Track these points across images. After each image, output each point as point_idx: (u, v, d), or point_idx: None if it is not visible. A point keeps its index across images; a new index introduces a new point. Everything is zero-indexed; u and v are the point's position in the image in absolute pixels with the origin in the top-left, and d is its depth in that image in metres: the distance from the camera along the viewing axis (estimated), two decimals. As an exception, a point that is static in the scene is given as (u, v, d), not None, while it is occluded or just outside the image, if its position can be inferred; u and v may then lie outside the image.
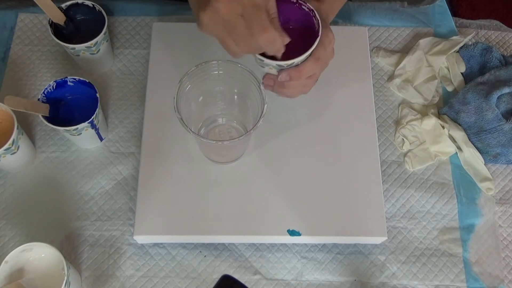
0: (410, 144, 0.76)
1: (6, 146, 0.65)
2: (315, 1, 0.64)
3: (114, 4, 0.84)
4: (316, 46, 0.59)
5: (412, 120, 0.77)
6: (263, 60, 0.59)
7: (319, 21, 0.59)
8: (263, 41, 0.52)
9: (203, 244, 0.70)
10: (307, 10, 0.60)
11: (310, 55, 0.59)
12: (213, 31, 0.54)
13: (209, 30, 0.54)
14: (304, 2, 0.60)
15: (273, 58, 0.58)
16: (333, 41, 0.61)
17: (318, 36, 0.58)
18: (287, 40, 0.54)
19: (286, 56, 0.58)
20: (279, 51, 0.55)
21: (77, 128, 0.67)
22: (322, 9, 0.63)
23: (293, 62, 0.59)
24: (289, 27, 0.62)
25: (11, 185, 0.73)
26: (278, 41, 0.53)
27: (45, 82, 0.79)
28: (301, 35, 0.61)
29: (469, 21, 0.88)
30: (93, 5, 0.73)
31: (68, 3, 0.72)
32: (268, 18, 0.52)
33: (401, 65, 0.81)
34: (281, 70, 0.60)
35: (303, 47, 0.58)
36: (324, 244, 0.71)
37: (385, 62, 0.82)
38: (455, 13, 1.28)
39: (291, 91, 0.63)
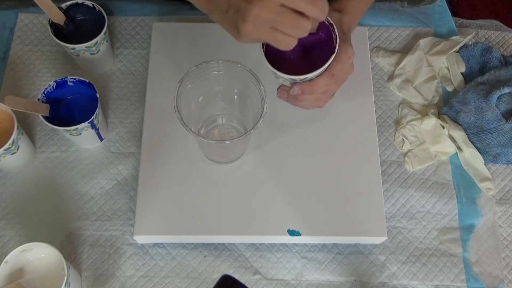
0: (410, 144, 0.76)
1: (6, 146, 0.65)
2: (337, 12, 0.63)
3: (114, 4, 0.84)
4: (332, 62, 0.58)
5: (412, 120, 0.77)
6: (276, 73, 0.58)
7: (337, 36, 0.58)
8: (317, 12, 0.51)
9: (203, 244, 0.70)
10: (327, 23, 0.59)
11: (325, 70, 0.58)
12: (259, 36, 0.52)
13: (254, 37, 0.52)
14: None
15: (287, 71, 0.58)
16: (352, 56, 0.60)
17: (334, 52, 0.57)
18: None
19: (303, 68, 0.58)
20: (327, 13, 0.54)
21: (77, 128, 0.67)
22: (344, 21, 0.63)
23: (306, 77, 0.58)
24: (309, 40, 0.61)
25: (11, 185, 0.73)
26: (326, 5, 0.52)
27: (45, 82, 0.79)
28: (320, 48, 0.60)
29: (469, 21, 0.88)
30: (93, 5, 0.73)
31: (68, 3, 0.72)
32: None
33: (401, 65, 0.81)
34: (294, 83, 0.60)
35: (321, 60, 0.58)
36: (324, 244, 0.71)
37: (385, 62, 0.82)
38: (455, 13, 1.27)
39: (304, 104, 0.63)
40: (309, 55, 0.61)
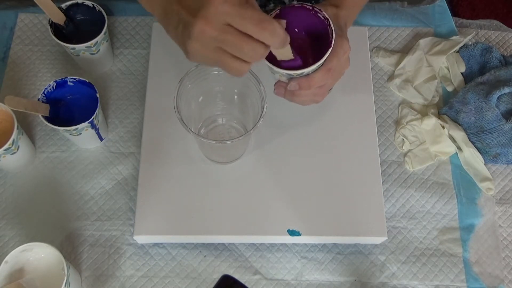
0: (410, 144, 0.76)
1: (6, 146, 0.65)
2: (333, 7, 0.63)
3: (114, 4, 0.84)
4: (329, 56, 0.57)
5: (412, 120, 0.77)
6: (272, 68, 0.58)
7: (333, 31, 0.57)
8: (266, 36, 0.47)
9: (203, 244, 0.70)
10: (322, 18, 0.58)
11: (321, 65, 0.58)
12: (206, 54, 0.49)
13: (202, 56, 0.49)
14: (320, 9, 0.59)
15: (284, 67, 0.57)
16: (348, 51, 0.60)
17: (330, 46, 0.57)
18: (284, 24, 0.50)
19: (300, 63, 0.57)
20: (285, 40, 0.50)
21: (77, 128, 0.67)
22: (340, 16, 0.62)
23: (303, 72, 0.58)
24: (304, 35, 0.61)
25: (11, 185, 0.73)
26: (280, 29, 0.48)
27: (45, 82, 0.79)
28: (317, 43, 0.60)
29: (469, 21, 0.88)
30: (93, 5, 0.73)
31: (68, 3, 0.72)
32: (259, 11, 0.48)
33: (401, 65, 0.81)
34: (291, 79, 0.60)
35: (317, 55, 0.57)
36: (324, 244, 0.71)
37: (385, 62, 0.82)
38: (455, 13, 1.27)
39: (302, 99, 0.63)
40: (305, 50, 0.61)
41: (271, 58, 0.58)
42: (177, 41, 0.52)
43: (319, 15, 0.59)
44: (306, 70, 0.58)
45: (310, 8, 0.59)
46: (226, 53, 0.49)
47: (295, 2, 0.60)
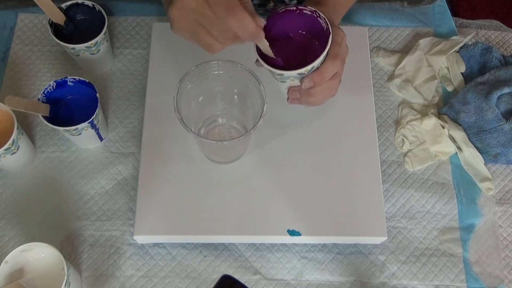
0: (410, 144, 0.76)
1: (6, 146, 0.65)
2: (315, 5, 0.63)
3: (114, 4, 0.84)
4: (330, 45, 0.57)
5: (412, 120, 0.77)
6: (283, 74, 0.58)
7: (326, 19, 0.58)
8: (232, 23, 0.50)
9: (203, 244, 0.70)
10: (309, 13, 0.59)
11: (327, 55, 0.58)
12: (185, 24, 0.52)
13: (181, 25, 0.53)
14: (305, 6, 0.59)
15: (290, 70, 0.58)
16: (344, 37, 0.60)
17: (329, 34, 0.57)
18: (261, 22, 0.52)
19: (298, 66, 0.58)
20: (255, 34, 0.51)
21: (77, 128, 0.67)
22: (324, 13, 0.62)
23: (313, 66, 0.58)
24: (297, 36, 0.61)
25: (11, 185, 0.73)
26: (248, 21, 0.50)
27: (45, 82, 0.79)
28: (312, 41, 0.60)
29: (469, 21, 0.88)
30: (93, 5, 0.73)
31: (68, 3, 0.72)
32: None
33: (401, 65, 0.81)
34: (302, 78, 0.60)
35: (318, 51, 0.58)
36: (324, 244, 0.71)
37: (385, 62, 0.82)
38: (455, 13, 1.28)
39: (318, 97, 0.62)
40: (304, 51, 0.61)
41: (276, 65, 0.58)
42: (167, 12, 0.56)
43: (305, 11, 0.59)
44: (315, 63, 0.57)
45: (294, 8, 0.59)
46: (202, 27, 0.51)
47: (279, 9, 0.60)
